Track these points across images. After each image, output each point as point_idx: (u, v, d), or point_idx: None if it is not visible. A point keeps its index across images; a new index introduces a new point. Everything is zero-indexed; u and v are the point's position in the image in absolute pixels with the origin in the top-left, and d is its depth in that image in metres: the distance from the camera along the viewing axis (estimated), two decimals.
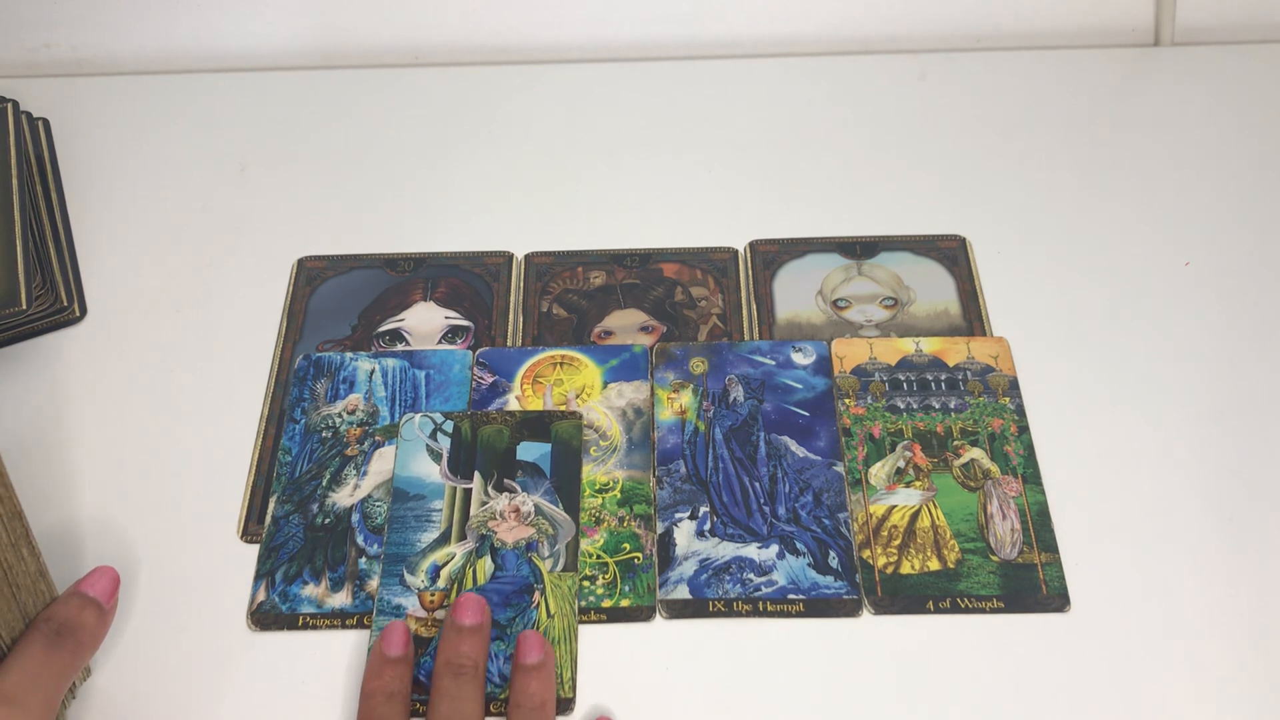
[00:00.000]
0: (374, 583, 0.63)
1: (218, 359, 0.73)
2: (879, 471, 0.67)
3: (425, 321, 0.75)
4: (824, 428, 0.69)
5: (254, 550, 0.65)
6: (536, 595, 0.62)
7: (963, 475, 0.67)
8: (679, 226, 0.79)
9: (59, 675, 0.56)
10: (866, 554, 0.64)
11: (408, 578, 0.63)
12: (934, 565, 0.63)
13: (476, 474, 0.67)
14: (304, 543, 0.65)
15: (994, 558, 0.63)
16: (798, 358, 0.72)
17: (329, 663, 0.61)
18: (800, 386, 0.70)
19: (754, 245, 0.78)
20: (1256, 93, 0.86)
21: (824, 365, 0.71)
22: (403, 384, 0.71)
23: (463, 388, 0.71)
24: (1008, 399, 0.69)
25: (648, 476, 0.67)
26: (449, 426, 0.69)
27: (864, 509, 0.65)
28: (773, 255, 0.77)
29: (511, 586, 0.63)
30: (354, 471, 0.68)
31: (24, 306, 0.71)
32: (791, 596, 0.62)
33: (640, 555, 0.64)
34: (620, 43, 0.92)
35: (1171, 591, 0.62)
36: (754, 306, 0.75)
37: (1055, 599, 0.62)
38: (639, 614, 0.62)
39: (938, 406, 0.69)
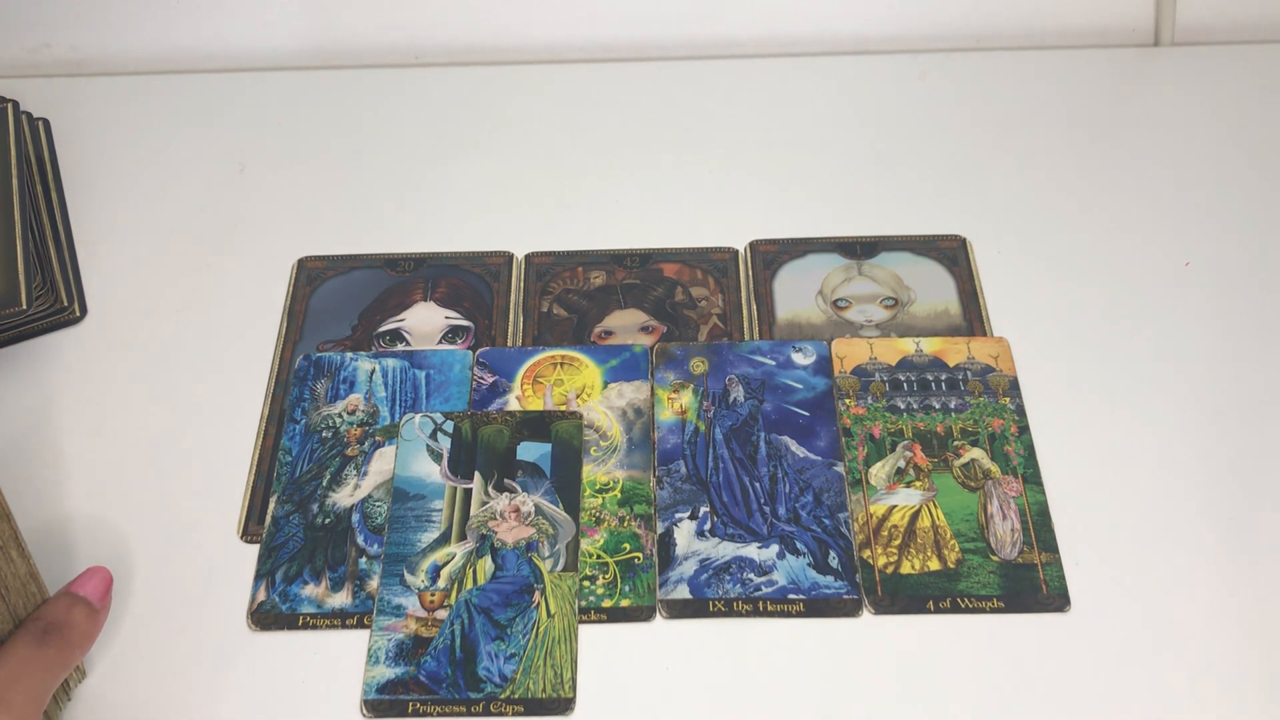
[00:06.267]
0: (374, 583, 0.63)
1: (218, 359, 0.73)
2: (879, 471, 0.67)
3: (425, 321, 0.75)
4: (824, 428, 0.69)
5: (254, 550, 0.65)
6: (537, 595, 0.62)
7: (963, 475, 0.67)
8: (679, 226, 0.79)
9: (46, 673, 0.56)
10: (867, 554, 0.64)
11: (408, 578, 0.63)
12: (934, 565, 0.63)
13: (477, 474, 0.67)
14: (304, 543, 0.65)
15: (994, 558, 0.63)
16: (798, 358, 0.72)
17: (329, 663, 0.61)
18: (800, 386, 0.70)
19: (754, 245, 0.78)
20: (1256, 93, 0.86)
21: (824, 365, 0.71)
22: (403, 384, 0.71)
23: (463, 388, 0.71)
24: (1008, 399, 0.69)
25: (648, 476, 0.67)
26: (449, 426, 0.69)
27: (864, 509, 0.65)
28: (773, 255, 0.77)
29: (512, 586, 0.63)
30: (354, 471, 0.68)
31: (24, 306, 0.70)
32: (791, 596, 0.62)
33: (640, 555, 0.64)
34: (620, 43, 0.92)
35: (1171, 591, 0.62)
36: (754, 306, 0.75)
37: (1055, 599, 0.62)
38: (639, 614, 0.62)
39: (938, 406, 0.69)
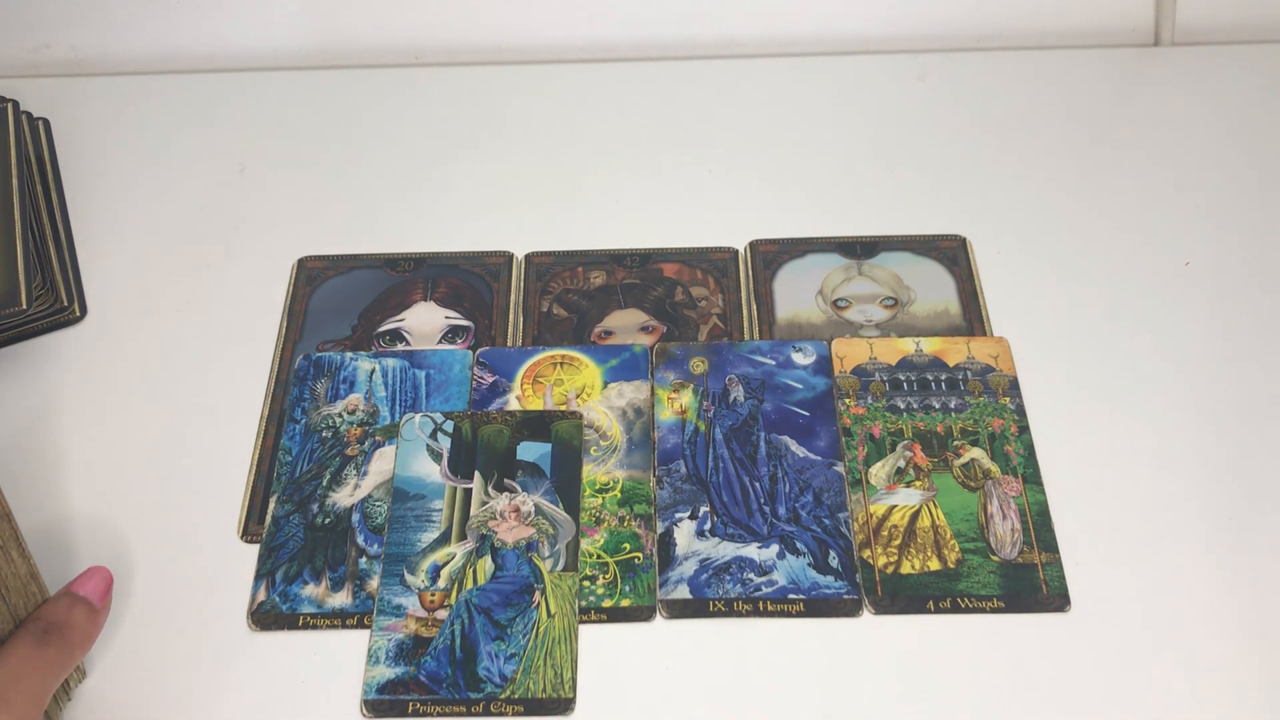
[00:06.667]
0: (374, 583, 0.63)
1: (218, 359, 0.73)
2: (879, 471, 0.67)
3: (425, 321, 0.75)
4: (824, 428, 0.69)
5: (254, 550, 0.65)
6: (537, 595, 0.62)
7: (963, 475, 0.67)
8: (679, 226, 0.79)
9: (46, 673, 0.56)
10: (867, 554, 0.64)
11: (408, 578, 0.63)
12: (934, 565, 0.63)
13: (477, 474, 0.67)
14: (304, 543, 0.65)
15: (994, 558, 0.63)
16: (798, 358, 0.72)
17: (329, 663, 0.61)
18: (800, 386, 0.70)
19: (754, 245, 0.78)
20: (1256, 93, 0.86)
21: (824, 365, 0.71)
22: (403, 384, 0.71)
23: (463, 388, 0.71)
24: (1008, 399, 0.69)
25: (648, 476, 0.67)
26: (449, 426, 0.69)
27: (864, 509, 0.65)
28: (773, 255, 0.77)
29: (512, 586, 0.63)
30: (354, 471, 0.68)
31: (24, 306, 0.71)
32: (792, 596, 0.62)
33: (640, 555, 0.64)
34: (620, 43, 0.92)
35: (1171, 591, 0.62)
36: (754, 306, 0.75)
37: (1055, 599, 0.62)
38: (639, 614, 0.62)
39: (938, 406, 0.69)
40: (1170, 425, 0.69)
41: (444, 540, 0.64)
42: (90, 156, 0.85)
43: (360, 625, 0.62)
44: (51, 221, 0.80)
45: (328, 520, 0.66)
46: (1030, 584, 0.62)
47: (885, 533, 0.64)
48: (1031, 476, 0.66)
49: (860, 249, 0.77)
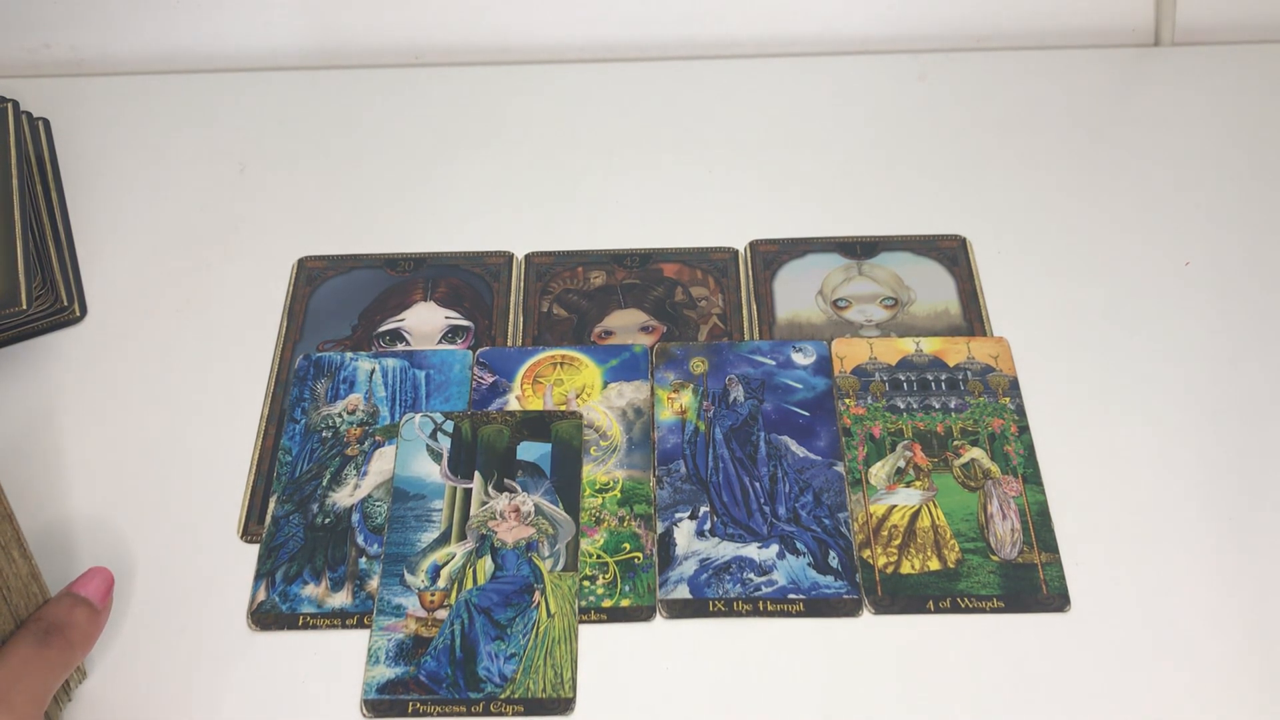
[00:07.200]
0: (374, 583, 0.63)
1: (218, 359, 0.73)
2: (879, 471, 0.67)
3: (425, 321, 0.75)
4: (824, 428, 0.69)
5: (254, 550, 0.65)
6: (537, 595, 0.62)
7: (963, 475, 0.67)
8: (679, 226, 0.79)
9: (47, 674, 0.56)
10: (866, 554, 0.64)
11: (408, 578, 0.63)
12: (934, 565, 0.63)
13: (477, 474, 0.67)
14: (304, 543, 0.65)
15: (994, 558, 0.63)
16: (798, 358, 0.72)
17: (329, 663, 0.61)
18: (800, 386, 0.70)
19: (754, 245, 0.78)
20: (1256, 93, 0.86)
21: (824, 365, 0.71)
22: (403, 384, 0.71)
23: (463, 388, 0.71)
24: (1008, 399, 0.69)
25: (648, 476, 0.67)
26: (449, 426, 0.69)
27: (864, 509, 0.65)
28: (773, 255, 0.77)
29: (512, 586, 0.63)
30: (354, 471, 0.68)
31: (24, 306, 0.71)
32: (791, 596, 0.62)
33: (640, 555, 0.64)
34: (620, 43, 0.92)
35: (1171, 591, 0.62)
36: (754, 306, 0.75)
37: (1055, 599, 0.62)
38: (639, 614, 0.62)
39: (938, 406, 0.69)
40: (1170, 425, 0.69)
41: (444, 540, 0.64)
42: (90, 156, 0.85)
43: (360, 625, 0.62)
44: (51, 221, 0.80)
45: (328, 520, 0.66)
46: (1030, 584, 0.62)
47: (885, 533, 0.64)
48: (1031, 476, 0.66)
49: (860, 249, 0.77)
